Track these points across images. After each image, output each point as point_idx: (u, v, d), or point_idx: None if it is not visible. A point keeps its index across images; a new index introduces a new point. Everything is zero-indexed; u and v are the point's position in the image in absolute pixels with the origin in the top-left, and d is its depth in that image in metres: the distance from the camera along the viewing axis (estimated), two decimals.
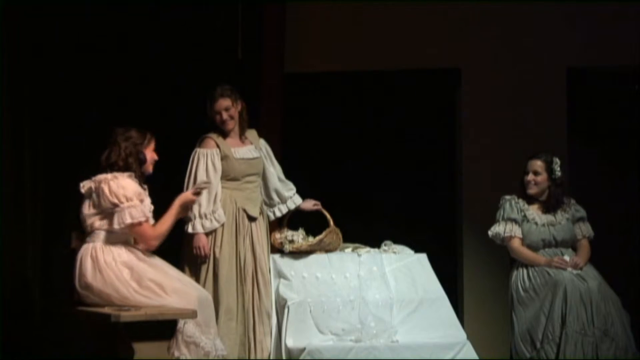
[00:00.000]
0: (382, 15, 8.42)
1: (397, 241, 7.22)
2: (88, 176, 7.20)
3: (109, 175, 6.03)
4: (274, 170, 6.93)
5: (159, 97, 7.59)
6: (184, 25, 7.66)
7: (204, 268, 6.58)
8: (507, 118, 8.42)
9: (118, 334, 5.60)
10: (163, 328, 5.76)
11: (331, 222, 7.04)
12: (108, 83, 7.40)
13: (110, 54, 7.41)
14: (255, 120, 6.82)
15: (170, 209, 6.17)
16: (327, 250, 7.06)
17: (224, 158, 6.64)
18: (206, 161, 6.62)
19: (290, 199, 6.99)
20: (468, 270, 8.45)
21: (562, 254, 6.93)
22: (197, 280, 6.55)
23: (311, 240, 7.00)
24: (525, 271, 6.94)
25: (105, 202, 5.99)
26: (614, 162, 8.69)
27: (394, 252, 7.11)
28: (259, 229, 6.75)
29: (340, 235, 7.10)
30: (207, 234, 6.59)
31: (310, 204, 7.04)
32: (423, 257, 7.14)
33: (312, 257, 7.00)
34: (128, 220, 5.96)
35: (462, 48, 8.48)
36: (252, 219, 6.71)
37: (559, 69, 8.47)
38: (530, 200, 7.07)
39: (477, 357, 6.79)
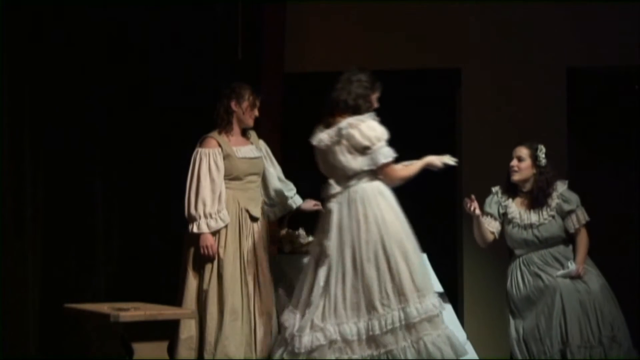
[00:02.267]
0: (382, 15, 8.42)
1: None
2: (88, 176, 7.23)
3: (352, 120, 6.15)
4: (274, 171, 6.93)
5: (159, 97, 7.59)
6: (184, 25, 7.66)
7: (207, 268, 6.56)
8: (507, 118, 8.42)
9: (117, 334, 5.60)
10: (163, 328, 5.76)
11: None
12: (108, 84, 7.40)
13: (110, 55, 7.41)
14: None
15: (416, 163, 6.38)
16: None
17: (226, 157, 6.64)
18: (209, 160, 6.61)
19: (291, 199, 6.98)
20: (468, 270, 8.45)
21: (552, 255, 6.83)
22: (201, 280, 6.55)
23: (311, 240, 7.00)
24: (519, 275, 6.88)
25: (356, 145, 6.13)
26: (614, 162, 8.69)
27: None
28: (261, 229, 6.74)
29: None
30: (211, 234, 6.58)
31: (310, 204, 7.03)
32: (423, 257, 7.13)
33: None
34: (382, 160, 6.14)
35: (462, 48, 8.48)
36: (254, 219, 6.71)
37: (559, 69, 8.47)
38: (515, 193, 6.98)
39: (477, 357, 6.79)
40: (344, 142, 6.18)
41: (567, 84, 8.48)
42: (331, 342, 6.06)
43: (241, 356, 6.49)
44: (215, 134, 6.70)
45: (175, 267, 6.67)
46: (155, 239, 7.51)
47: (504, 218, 6.94)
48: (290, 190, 6.99)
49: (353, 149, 6.17)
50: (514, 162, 6.90)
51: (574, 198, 6.88)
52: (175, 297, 6.60)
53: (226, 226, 6.59)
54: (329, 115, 6.29)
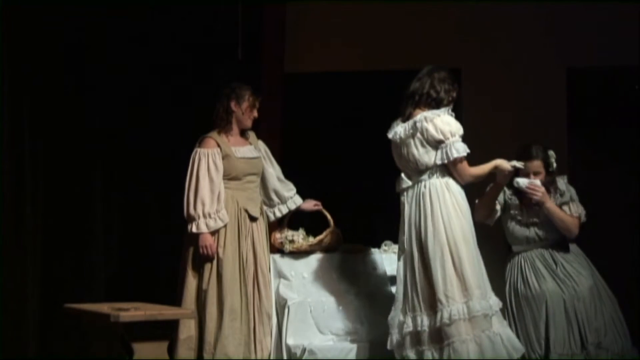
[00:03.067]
0: (382, 15, 8.42)
1: (397, 241, 7.20)
2: (88, 176, 7.22)
3: (428, 114, 6.26)
4: (273, 171, 6.93)
5: (159, 98, 7.59)
6: (184, 25, 7.67)
7: (207, 268, 6.57)
8: (507, 118, 8.42)
9: (117, 334, 5.60)
10: (163, 328, 5.76)
11: (331, 223, 7.05)
12: (108, 84, 7.40)
13: (111, 55, 7.42)
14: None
15: (487, 164, 6.44)
16: (327, 251, 7.06)
17: (225, 157, 6.64)
18: (207, 161, 6.62)
19: (291, 199, 6.99)
20: None
21: (551, 255, 6.81)
22: (201, 280, 6.56)
23: (311, 240, 7.01)
24: (515, 282, 6.87)
25: (430, 139, 6.23)
26: (614, 162, 8.68)
27: (394, 252, 7.11)
28: (260, 229, 6.75)
29: (340, 236, 7.11)
30: (211, 234, 6.58)
31: (310, 205, 7.04)
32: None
33: (312, 257, 7.02)
34: (455, 155, 6.22)
35: (462, 48, 8.48)
36: (253, 219, 6.71)
37: (559, 69, 8.47)
38: (519, 193, 6.95)
39: None
40: (419, 135, 6.30)
41: (567, 84, 8.48)
42: (407, 334, 6.23)
43: (240, 356, 6.50)
44: (214, 134, 6.70)
45: (175, 267, 6.67)
46: (155, 239, 7.52)
47: (505, 210, 6.93)
48: (290, 191, 6.99)
49: (427, 142, 6.29)
50: (536, 181, 6.74)
51: (570, 191, 6.91)
52: (175, 297, 6.60)
53: (225, 226, 6.59)
54: (410, 107, 6.40)
